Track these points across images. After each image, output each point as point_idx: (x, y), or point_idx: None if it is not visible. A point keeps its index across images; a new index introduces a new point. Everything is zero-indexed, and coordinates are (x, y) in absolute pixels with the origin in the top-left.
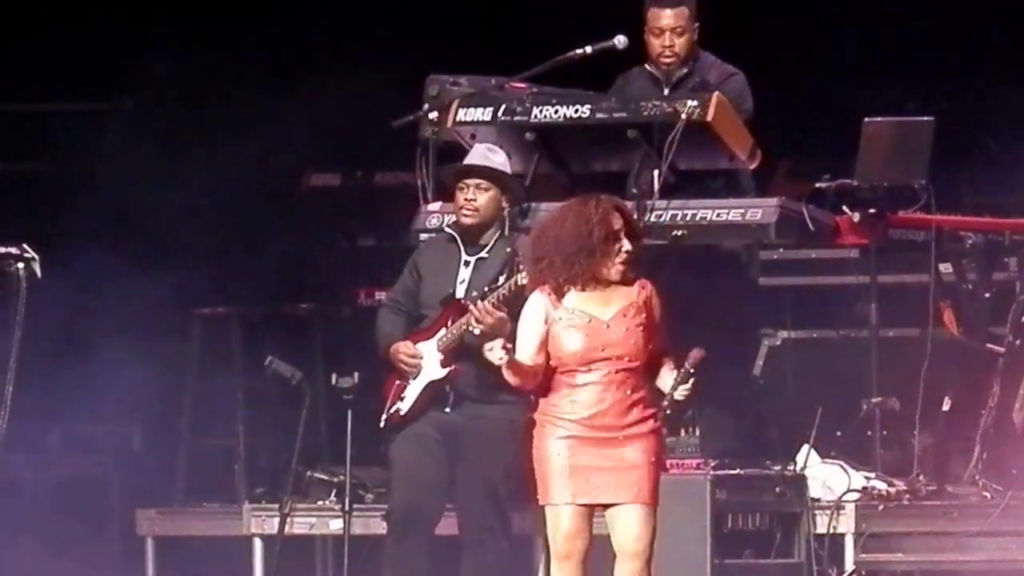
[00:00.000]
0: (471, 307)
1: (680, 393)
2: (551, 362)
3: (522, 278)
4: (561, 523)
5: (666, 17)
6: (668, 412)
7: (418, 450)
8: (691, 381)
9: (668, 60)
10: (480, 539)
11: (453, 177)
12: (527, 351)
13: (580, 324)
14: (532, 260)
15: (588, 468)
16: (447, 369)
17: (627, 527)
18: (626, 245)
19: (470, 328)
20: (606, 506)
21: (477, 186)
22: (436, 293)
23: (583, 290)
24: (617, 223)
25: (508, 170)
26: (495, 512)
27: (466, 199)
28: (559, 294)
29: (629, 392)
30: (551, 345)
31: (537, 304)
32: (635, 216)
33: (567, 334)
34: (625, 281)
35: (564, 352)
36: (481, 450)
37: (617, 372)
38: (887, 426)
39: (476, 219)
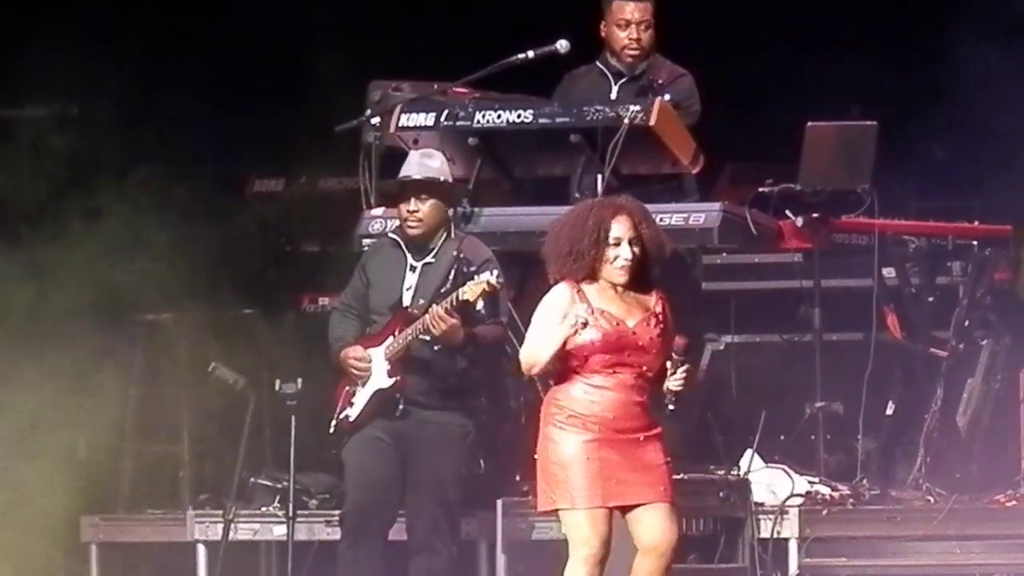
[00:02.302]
0: (429, 312)
1: (675, 384)
2: (570, 357)
3: (463, 293)
4: (594, 527)
5: (634, 10)
6: (671, 406)
7: (371, 453)
8: (680, 369)
9: (634, 53)
10: (429, 544)
11: (396, 191)
12: (554, 340)
13: (606, 327)
14: (543, 255)
15: (616, 470)
16: (393, 379)
17: (654, 526)
18: (625, 252)
19: (418, 336)
20: (626, 507)
21: (418, 197)
22: (384, 299)
23: (597, 288)
24: (618, 230)
25: (447, 173)
26: (445, 517)
27: (409, 211)
28: (578, 288)
29: (643, 398)
30: (572, 342)
31: (561, 296)
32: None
33: (593, 334)
34: (641, 288)
35: (590, 351)
36: (432, 455)
37: (637, 378)
38: (831, 430)
39: (421, 229)
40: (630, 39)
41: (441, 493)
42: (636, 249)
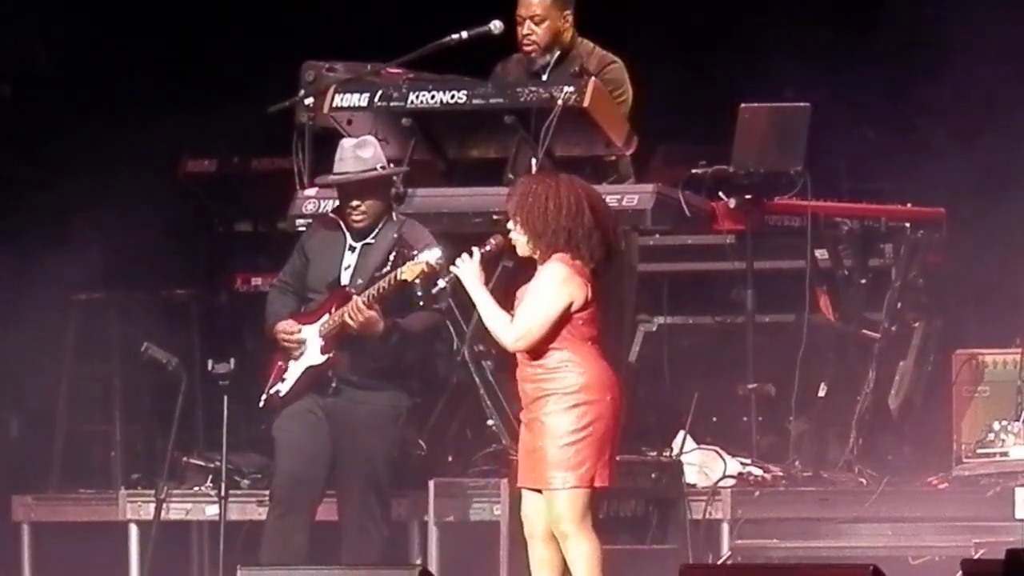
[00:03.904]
0: (350, 303)
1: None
2: None
3: (401, 273)
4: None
5: (527, 5)
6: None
7: (302, 426)
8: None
9: (528, 48)
10: (360, 525)
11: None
12: None
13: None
14: None
15: (520, 453)
16: (326, 356)
17: (527, 511)
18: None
19: (346, 318)
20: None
21: (359, 194)
22: (322, 277)
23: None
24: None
25: (381, 158)
26: (376, 498)
27: (351, 207)
28: None
29: (527, 373)
30: None
31: None
32: (523, 200)
33: None
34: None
35: None
36: (364, 435)
37: (516, 354)
38: (763, 412)
39: (366, 222)
40: (523, 35)
41: (372, 473)
42: (512, 229)
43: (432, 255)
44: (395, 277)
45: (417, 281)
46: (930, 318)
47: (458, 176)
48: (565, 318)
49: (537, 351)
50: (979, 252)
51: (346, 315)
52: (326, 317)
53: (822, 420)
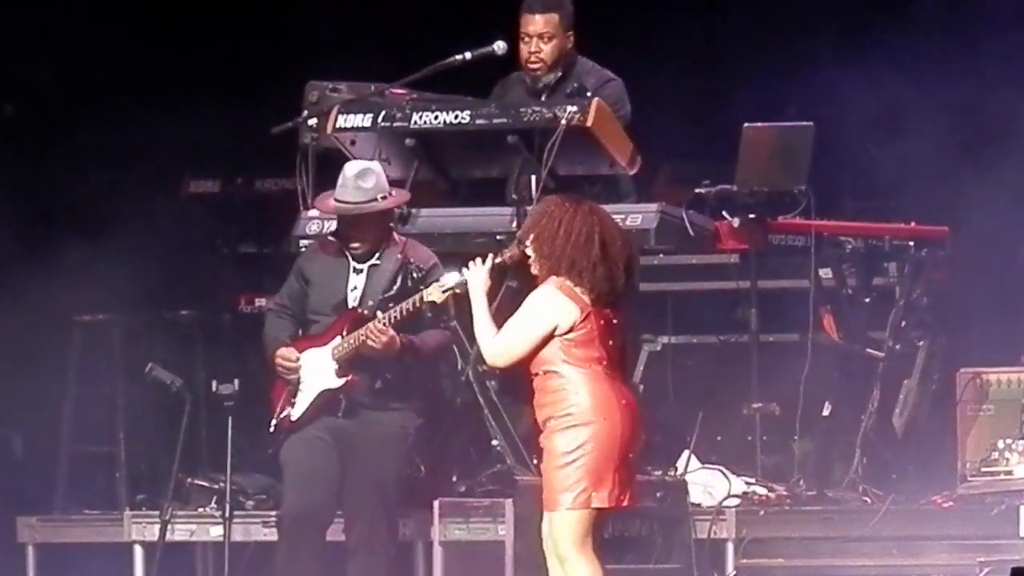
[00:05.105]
0: (367, 326)
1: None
2: None
3: (428, 294)
4: None
5: (534, 23)
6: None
7: (310, 453)
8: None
9: (534, 66)
10: (368, 545)
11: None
12: None
13: None
14: None
15: None
16: (343, 379)
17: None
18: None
19: (368, 341)
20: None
21: (359, 219)
22: (326, 300)
23: None
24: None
25: (384, 188)
26: (384, 518)
27: (350, 235)
28: None
29: (536, 397)
30: None
31: None
32: (538, 219)
33: None
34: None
35: None
36: (374, 455)
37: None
38: (767, 431)
39: (367, 247)
40: (530, 52)
41: (382, 494)
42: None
43: (459, 280)
44: (421, 299)
45: (448, 303)
46: (934, 337)
47: (461, 196)
48: (548, 340)
49: (532, 373)
50: (983, 270)
51: (368, 339)
52: (338, 340)
53: (826, 439)
